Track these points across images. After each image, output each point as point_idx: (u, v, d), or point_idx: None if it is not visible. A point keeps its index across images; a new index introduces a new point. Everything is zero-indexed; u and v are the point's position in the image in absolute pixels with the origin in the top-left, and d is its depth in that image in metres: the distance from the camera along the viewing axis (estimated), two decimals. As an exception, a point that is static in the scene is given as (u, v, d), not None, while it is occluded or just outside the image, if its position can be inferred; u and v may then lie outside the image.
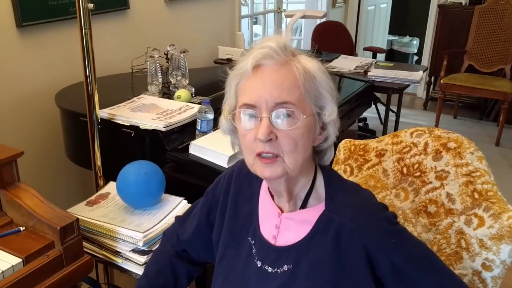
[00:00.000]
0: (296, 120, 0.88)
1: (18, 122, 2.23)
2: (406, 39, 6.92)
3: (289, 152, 0.89)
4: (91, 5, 1.55)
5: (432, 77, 5.27)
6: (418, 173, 1.26)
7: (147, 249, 1.37)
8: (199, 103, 2.04)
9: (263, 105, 0.88)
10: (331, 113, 0.93)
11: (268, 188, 1.04)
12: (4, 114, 2.15)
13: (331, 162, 1.27)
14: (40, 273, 1.19)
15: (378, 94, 3.44)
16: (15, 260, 1.18)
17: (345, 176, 1.37)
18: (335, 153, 1.04)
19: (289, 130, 0.88)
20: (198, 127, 1.87)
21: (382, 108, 3.81)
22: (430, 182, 1.23)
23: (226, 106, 0.98)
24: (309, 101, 0.91)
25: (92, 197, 1.60)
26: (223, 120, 1.00)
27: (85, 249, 1.35)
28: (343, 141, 1.44)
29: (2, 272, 1.14)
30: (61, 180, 2.49)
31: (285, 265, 0.97)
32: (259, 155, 0.90)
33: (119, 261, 1.38)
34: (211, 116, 1.85)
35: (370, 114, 4.28)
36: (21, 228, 1.29)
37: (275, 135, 0.88)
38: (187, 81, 2.32)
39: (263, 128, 0.87)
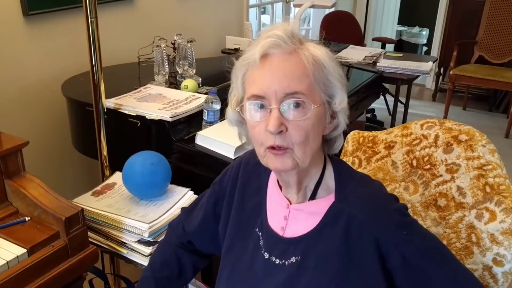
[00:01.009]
0: (307, 110, 0.86)
1: (24, 111, 2.23)
2: (416, 29, 6.83)
3: (300, 143, 0.87)
4: (97, -7, 1.54)
5: (442, 68, 5.22)
6: (428, 166, 1.24)
7: (152, 240, 1.36)
8: (206, 93, 2.02)
9: (273, 96, 0.86)
10: (341, 101, 0.91)
11: (277, 180, 1.02)
12: (10, 103, 2.15)
13: (339, 153, 1.25)
14: (45, 264, 1.19)
15: (386, 85, 3.41)
16: (20, 251, 1.18)
17: (353, 168, 1.35)
18: (343, 145, 1.02)
19: (299, 121, 0.86)
20: (205, 117, 1.85)
21: (390, 99, 3.79)
22: (440, 175, 1.21)
23: (232, 97, 0.96)
24: (319, 90, 0.89)
25: (98, 187, 1.60)
26: (230, 112, 0.98)
27: (90, 240, 1.35)
28: (351, 133, 1.42)
29: (7, 262, 1.14)
30: (67, 170, 2.49)
31: (293, 257, 0.95)
32: (271, 147, 0.88)
33: (125, 252, 1.37)
34: (218, 106, 1.83)
35: (378, 105, 4.25)
36: (26, 218, 1.29)
37: (285, 126, 0.86)
38: (194, 71, 2.31)
39: (273, 120, 0.85)
